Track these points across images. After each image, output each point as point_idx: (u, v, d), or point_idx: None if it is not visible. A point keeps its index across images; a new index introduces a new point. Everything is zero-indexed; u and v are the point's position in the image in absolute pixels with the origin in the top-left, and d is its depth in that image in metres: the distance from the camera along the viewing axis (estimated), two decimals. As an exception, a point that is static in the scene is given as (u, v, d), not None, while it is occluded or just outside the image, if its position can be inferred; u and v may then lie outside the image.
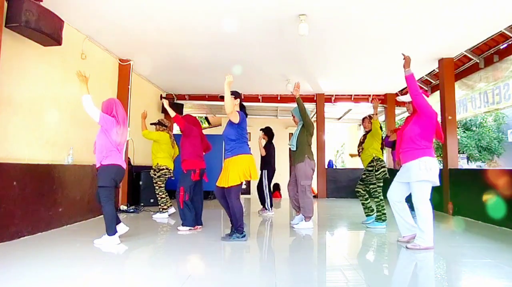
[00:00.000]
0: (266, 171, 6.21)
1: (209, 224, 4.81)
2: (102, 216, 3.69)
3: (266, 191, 6.16)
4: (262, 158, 6.29)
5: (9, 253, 3.21)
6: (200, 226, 4.49)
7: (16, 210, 3.70)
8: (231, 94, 3.77)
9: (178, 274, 2.72)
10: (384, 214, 4.72)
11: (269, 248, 3.83)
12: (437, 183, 3.47)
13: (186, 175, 4.34)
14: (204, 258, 3.16)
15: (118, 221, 3.73)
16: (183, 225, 4.36)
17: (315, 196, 9.65)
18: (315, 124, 9.84)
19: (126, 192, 6.31)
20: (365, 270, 2.92)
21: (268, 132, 6.42)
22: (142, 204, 6.54)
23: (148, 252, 3.61)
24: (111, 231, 3.57)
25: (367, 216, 4.97)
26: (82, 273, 2.73)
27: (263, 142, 6.38)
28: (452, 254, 3.48)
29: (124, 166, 3.73)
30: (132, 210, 6.00)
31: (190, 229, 4.33)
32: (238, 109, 3.90)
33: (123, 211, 5.96)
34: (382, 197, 4.71)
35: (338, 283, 2.62)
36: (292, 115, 4.97)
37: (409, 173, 3.52)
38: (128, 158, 6.56)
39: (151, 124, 5.95)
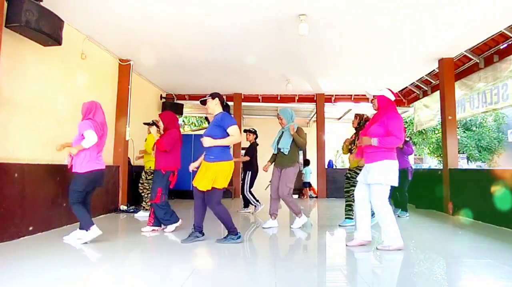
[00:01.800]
0: (250, 172, 6.33)
1: (208, 225, 4.79)
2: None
3: (246, 191, 6.25)
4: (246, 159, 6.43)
5: (9, 253, 3.21)
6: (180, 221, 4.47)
7: (16, 210, 3.70)
8: (210, 96, 3.82)
9: (177, 275, 2.72)
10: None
11: (269, 248, 3.83)
12: (395, 185, 3.48)
13: (164, 176, 4.27)
14: (204, 258, 3.16)
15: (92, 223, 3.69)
16: (166, 224, 4.34)
17: (315, 196, 9.68)
18: (315, 124, 9.93)
19: (126, 192, 6.31)
20: (365, 270, 2.92)
21: (255, 133, 6.52)
22: (142, 204, 6.53)
23: (148, 252, 3.61)
24: (87, 226, 3.56)
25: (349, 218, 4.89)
26: (82, 273, 2.73)
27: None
28: (452, 254, 3.48)
29: (103, 167, 3.74)
30: (132, 210, 6.00)
31: (176, 227, 4.36)
32: (221, 109, 3.82)
33: (123, 211, 5.96)
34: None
35: (338, 283, 2.62)
36: (279, 117, 4.75)
37: (369, 175, 3.51)
38: (128, 158, 6.56)
39: (144, 123, 5.98)
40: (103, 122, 3.75)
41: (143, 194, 5.75)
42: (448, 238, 4.27)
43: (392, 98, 3.64)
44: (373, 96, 3.69)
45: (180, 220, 4.43)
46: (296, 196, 10.02)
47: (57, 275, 2.62)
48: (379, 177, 3.42)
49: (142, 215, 5.56)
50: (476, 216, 5.21)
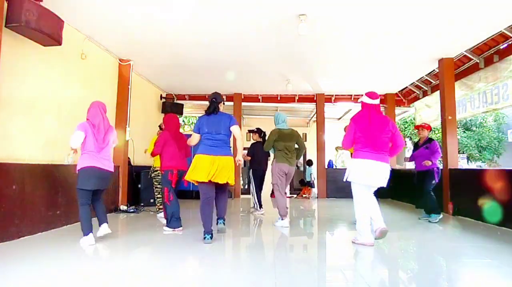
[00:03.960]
0: (251, 170, 6.47)
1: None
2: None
3: (252, 189, 6.39)
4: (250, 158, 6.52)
5: (9, 253, 3.21)
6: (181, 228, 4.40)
7: (16, 210, 3.70)
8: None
9: (178, 274, 2.73)
10: None
11: (269, 248, 3.83)
12: (352, 181, 3.69)
13: (163, 175, 4.41)
14: (204, 258, 3.16)
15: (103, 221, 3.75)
16: (166, 225, 4.35)
17: (306, 196, 9.69)
18: (315, 124, 9.93)
19: (126, 192, 6.31)
20: (365, 270, 2.92)
21: (258, 133, 6.56)
22: (142, 204, 6.54)
23: (148, 252, 3.61)
24: (83, 231, 3.55)
25: None
26: (82, 273, 2.73)
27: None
28: (452, 254, 3.48)
29: (104, 167, 3.66)
30: (132, 210, 6.00)
31: (173, 230, 4.30)
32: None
33: (123, 211, 5.96)
34: None
35: (338, 283, 2.62)
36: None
37: None
38: (128, 158, 6.56)
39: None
40: (98, 122, 3.68)
41: (155, 197, 5.71)
42: (448, 238, 4.27)
43: (368, 101, 3.76)
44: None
45: (180, 227, 4.36)
46: (294, 196, 10.04)
47: (57, 275, 2.63)
48: (348, 176, 3.74)
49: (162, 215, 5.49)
50: (476, 216, 5.20)
